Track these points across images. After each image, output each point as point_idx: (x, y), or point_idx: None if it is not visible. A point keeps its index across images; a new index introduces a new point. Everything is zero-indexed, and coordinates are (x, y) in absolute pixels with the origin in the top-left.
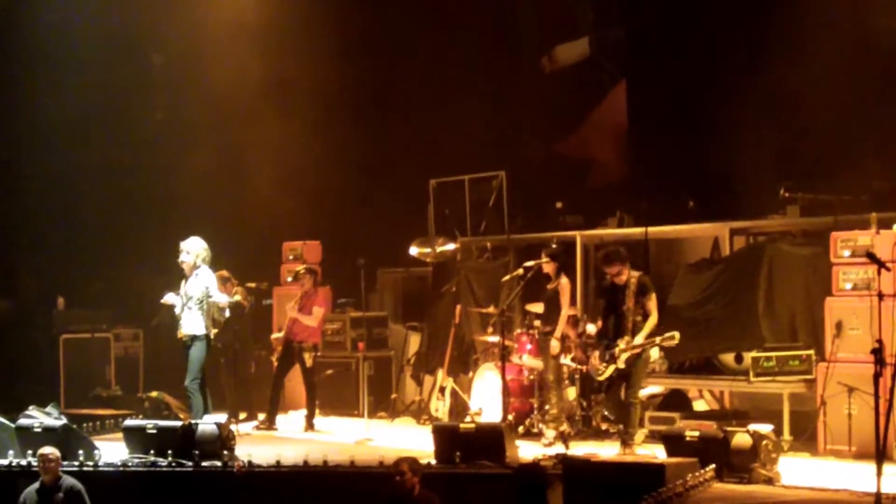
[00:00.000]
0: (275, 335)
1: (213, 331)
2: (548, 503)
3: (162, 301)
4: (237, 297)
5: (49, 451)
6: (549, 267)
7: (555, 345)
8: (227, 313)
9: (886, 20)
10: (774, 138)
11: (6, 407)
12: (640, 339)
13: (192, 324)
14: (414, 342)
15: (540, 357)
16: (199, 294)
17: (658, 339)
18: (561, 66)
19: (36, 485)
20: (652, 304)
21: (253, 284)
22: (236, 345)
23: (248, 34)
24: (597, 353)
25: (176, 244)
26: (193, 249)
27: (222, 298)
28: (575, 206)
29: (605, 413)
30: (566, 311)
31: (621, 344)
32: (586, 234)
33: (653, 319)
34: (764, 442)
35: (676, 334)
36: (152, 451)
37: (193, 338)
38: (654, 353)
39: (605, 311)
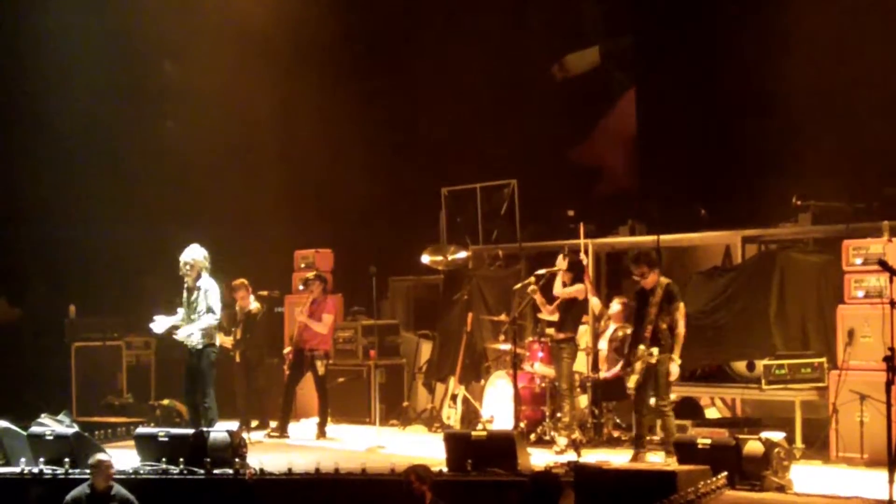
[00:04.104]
0: (287, 349)
1: (228, 339)
2: None
3: (151, 327)
4: (255, 305)
5: (107, 458)
6: (565, 276)
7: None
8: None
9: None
10: (786, 146)
11: (18, 414)
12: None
13: (199, 333)
14: (425, 350)
15: (552, 365)
16: (204, 305)
17: (639, 353)
18: (572, 75)
19: (85, 490)
20: (679, 313)
21: (265, 292)
22: (248, 353)
23: (260, 42)
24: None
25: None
26: (193, 260)
27: (214, 306)
28: (586, 214)
29: (617, 420)
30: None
31: (638, 352)
32: (598, 242)
33: (681, 332)
34: (776, 449)
35: (655, 350)
36: (164, 459)
37: (202, 346)
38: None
39: (634, 316)
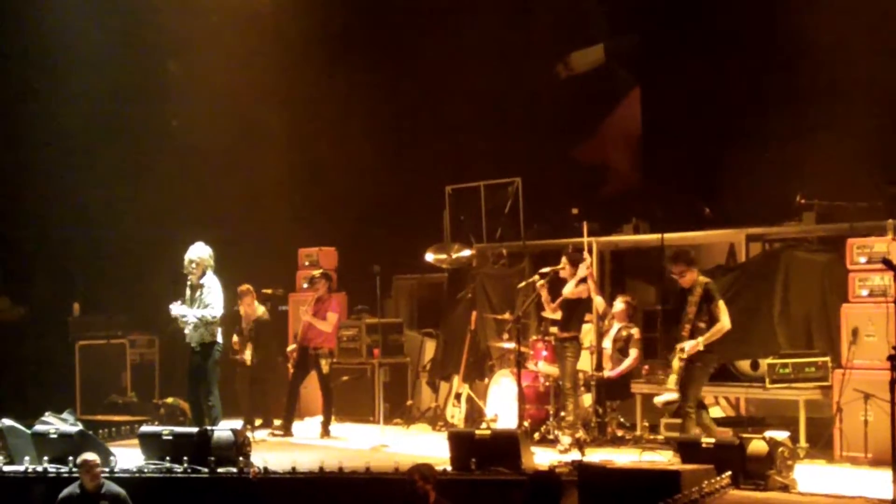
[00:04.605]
0: (291, 347)
1: (247, 354)
2: None
3: (171, 312)
4: (262, 309)
5: (93, 457)
6: (566, 273)
7: (599, 300)
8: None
9: None
10: (790, 144)
11: (22, 413)
12: (689, 344)
13: (201, 332)
14: (429, 348)
15: (556, 364)
16: (206, 302)
17: (676, 352)
18: (576, 73)
19: (75, 490)
20: (719, 310)
21: (269, 291)
22: (261, 356)
23: (265, 41)
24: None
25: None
26: (199, 258)
27: (215, 303)
28: (590, 212)
29: (621, 419)
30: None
31: (675, 351)
32: (602, 240)
33: (720, 325)
34: (780, 449)
35: (686, 346)
36: (168, 458)
37: (203, 345)
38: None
39: (675, 316)
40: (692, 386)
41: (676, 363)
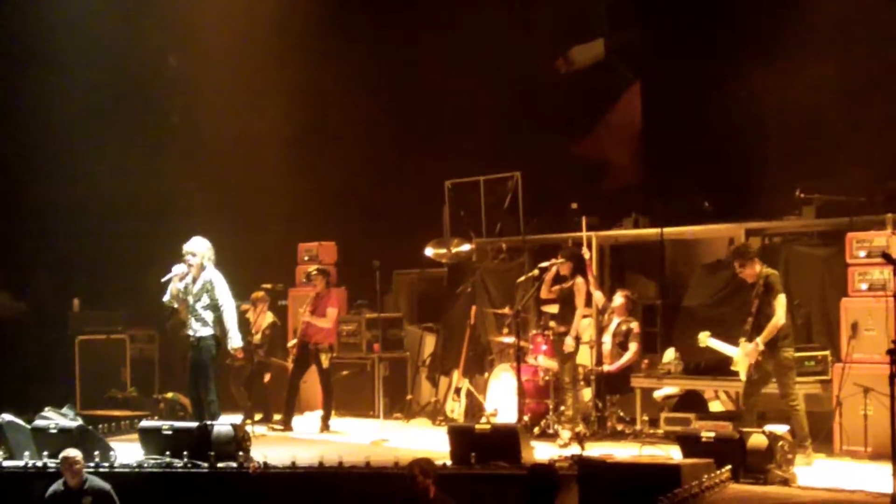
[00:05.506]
0: (291, 342)
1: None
2: None
3: (173, 273)
4: (271, 318)
5: (74, 453)
6: (564, 268)
7: (570, 343)
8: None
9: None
10: (790, 139)
11: (22, 408)
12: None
13: (199, 325)
14: (429, 343)
15: (555, 358)
16: (208, 298)
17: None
18: (576, 68)
19: (59, 487)
20: (775, 304)
21: (268, 286)
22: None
23: (264, 36)
24: None
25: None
26: (198, 251)
27: (225, 299)
28: (590, 207)
29: (621, 414)
30: (581, 311)
31: (741, 347)
32: (601, 235)
33: (774, 321)
34: (780, 443)
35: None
36: (168, 453)
37: (200, 339)
38: (670, 354)
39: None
40: (783, 384)
41: (741, 357)
